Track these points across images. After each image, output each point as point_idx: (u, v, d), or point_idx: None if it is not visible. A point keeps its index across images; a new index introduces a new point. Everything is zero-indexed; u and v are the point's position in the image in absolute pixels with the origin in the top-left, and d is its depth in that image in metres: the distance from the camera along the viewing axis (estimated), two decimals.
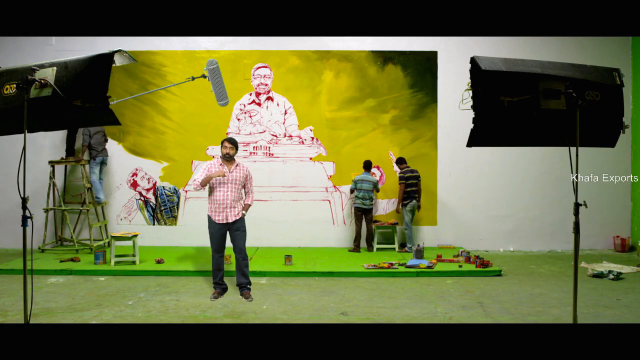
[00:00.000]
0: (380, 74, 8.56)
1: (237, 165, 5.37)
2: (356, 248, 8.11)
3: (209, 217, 5.38)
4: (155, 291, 5.66)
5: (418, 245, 7.36)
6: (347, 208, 8.58)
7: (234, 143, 5.37)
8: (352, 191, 8.19)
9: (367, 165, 8.11)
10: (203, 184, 5.28)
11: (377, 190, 8.13)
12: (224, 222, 5.30)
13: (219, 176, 5.21)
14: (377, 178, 8.07)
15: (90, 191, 7.98)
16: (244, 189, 5.48)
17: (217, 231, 5.34)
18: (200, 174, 5.31)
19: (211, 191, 5.36)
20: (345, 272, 6.53)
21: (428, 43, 8.55)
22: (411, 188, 7.87)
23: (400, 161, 8.08)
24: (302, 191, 8.56)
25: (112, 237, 6.87)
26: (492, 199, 8.63)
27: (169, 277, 6.34)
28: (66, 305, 5.11)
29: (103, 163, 8.13)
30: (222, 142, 5.37)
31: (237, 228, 5.36)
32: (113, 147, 8.52)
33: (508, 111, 3.43)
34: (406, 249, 7.97)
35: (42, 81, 3.57)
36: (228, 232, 5.39)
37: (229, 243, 5.46)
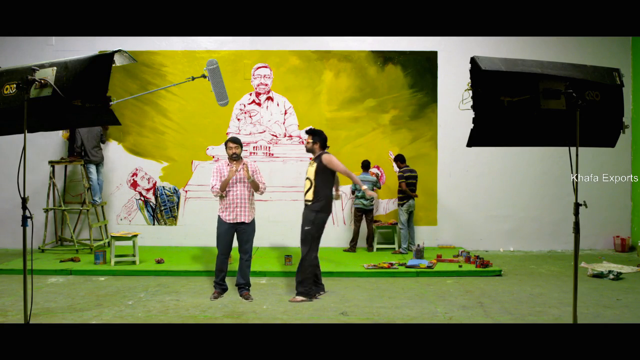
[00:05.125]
0: (380, 74, 8.56)
1: (243, 164, 5.35)
2: (352, 248, 8.11)
3: (219, 217, 5.36)
4: (155, 291, 5.66)
5: (418, 245, 7.35)
6: (347, 208, 8.58)
7: (238, 142, 5.36)
8: (353, 192, 8.19)
9: (366, 166, 8.10)
10: (222, 189, 5.26)
11: (379, 187, 8.11)
12: (234, 221, 5.28)
13: (233, 175, 5.20)
14: (375, 178, 8.05)
15: (90, 191, 7.98)
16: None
17: (226, 231, 5.31)
18: (213, 179, 5.30)
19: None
20: (345, 272, 6.54)
21: (428, 43, 8.56)
22: (409, 188, 7.85)
23: (400, 159, 8.02)
24: (302, 191, 8.54)
25: (112, 237, 6.87)
26: (492, 199, 8.63)
27: (169, 277, 6.34)
28: (66, 305, 5.11)
29: (99, 165, 8.13)
30: (226, 143, 5.35)
31: (246, 229, 5.34)
32: (113, 147, 8.53)
33: (508, 111, 3.43)
34: (400, 250, 7.88)
35: (42, 81, 3.57)
36: (236, 233, 5.37)
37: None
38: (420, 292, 5.71)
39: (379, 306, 5.13)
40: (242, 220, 5.29)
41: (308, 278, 5.27)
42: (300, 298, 5.24)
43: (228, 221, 5.29)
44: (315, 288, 5.39)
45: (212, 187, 5.28)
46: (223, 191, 5.28)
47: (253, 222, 5.41)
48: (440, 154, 8.60)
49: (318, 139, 5.32)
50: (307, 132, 5.39)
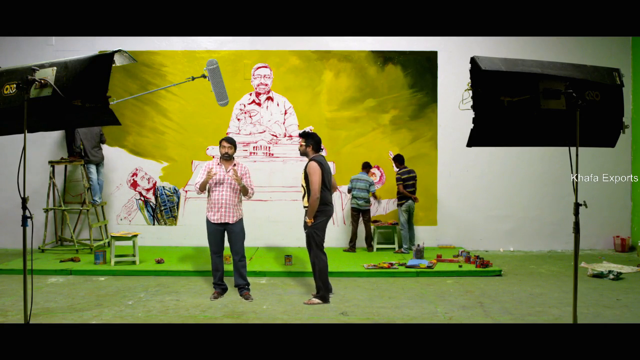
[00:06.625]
0: (380, 74, 8.56)
1: (234, 165, 5.37)
2: (351, 248, 8.11)
3: (206, 217, 5.39)
4: (155, 291, 5.66)
5: (418, 245, 7.35)
6: (347, 208, 8.58)
7: (232, 142, 5.38)
8: (349, 191, 8.18)
9: (365, 166, 8.12)
10: (202, 189, 5.29)
11: (372, 192, 8.06)
12: (219, 222, 5.30)
13: (209, 178, 5.22)
14: (374, 179, 8.02)
15: (90, 191, 7.98)
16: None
17: (214, 231, 5.35)
18: (200, 176, 5.34)
19: (209, 191, 5.37)
20: (345, 272, 6.54)
21: (428, 43, 8.55)
22: (408, 189, 7.84)
23: (398, 160, 8.02)
24: (302, 192, 8.56)
25: (112, 237, 6.87)
26: (492, 199, 8.63)
27: (169, 277, 6.34)
28: (66, 305, 5.11)
29: (99, 165, 8.13)
30: (220, 142, 5.38)
31: (233, 230, 5.36)
32: (113, 147, 8.53)
33: (508, 111, 3.43)
34: (402, 250, 7.91)
35: (42, 81, 3.57)
36: (226, 233, 5.39)
37: (227, 243, 5.46)
38: (420, 292, 5.71)
39: (379, 306, 5.13)
40: (227, 221, 5.31)
41: (326, 281, 5.23)
42: (316, 301, 5.20)
43: (213, 221, 5.32)
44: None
45: (195, 184, 5.35)
46: (202, 191, 5.32)
47: (240, 222, 5.42)
48: (440, 154, 8.60)
49: (311, 141, 5.24)
50: (300, 135, 5.35)
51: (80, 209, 8.09)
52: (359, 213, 8.09)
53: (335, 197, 8.54)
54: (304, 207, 5.25)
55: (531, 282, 6.21)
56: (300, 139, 5.31)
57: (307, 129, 8.49)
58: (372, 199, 8.15)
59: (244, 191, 5.36)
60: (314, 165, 5.10)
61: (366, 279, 6.36)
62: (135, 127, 8.54)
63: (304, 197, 5.26)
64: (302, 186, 5.27)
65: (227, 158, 5.34)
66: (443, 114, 8.54)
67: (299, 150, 5.36)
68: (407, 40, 8.53)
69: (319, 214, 5.11)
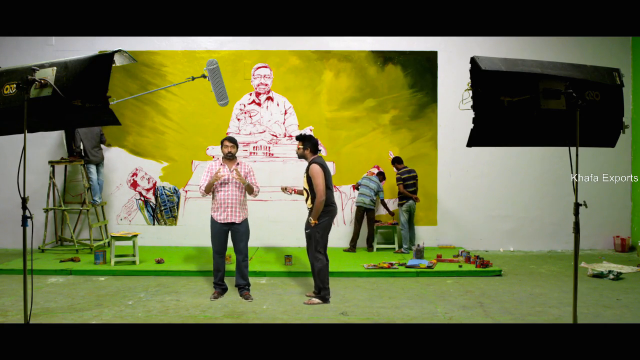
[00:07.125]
0: (380, 74, 8.56)
1: (237, 164, 5.37)
2: (352, 248, 8.11)
3: (211, 217, 5.38)
4: (155, 291, 5.66)
5: (418, 245, 7.35)
6: (348, 208, 8.58)
7: (234, 141, 5.38)
8: (357, 187, 8.17)
9: (380, 174, 8.17)
10: (207, 191, 5.29)
11: (381, 197, 8.08)
12: (225, 221, 5.30)
13: (216, 180, 5.22)
14: (376, 185, 8.02)
15: (90, 191, 7.98)
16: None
17: (218, 231, 5.34)
18: (203, 178, 5.33)
19: (214, 192, 5.36)
20: (345, 272, 6.54)
21: (428, 43, 8.55)
22: (409, 189, 7.86)
23: (397, 161, 8.05)
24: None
25: (112, 237, 6.87)
26: (492, 199, 8.63)
27: (169, 277, 6.34)
28: (66, 305, 5.11)
29: (99, 165, 8.13)
30: (222, 142, 5.38)
31: (238, 229, 5.35)
32: (113, 147, 8.53)
33: (508, 111, 3.43)
34: (402, 250, 7.93)
35: (42, 81, 3.57)
36: (230, 233, 5.39)
37: (229, 244, 5.46)
38: (420, 292, 5.71)
39: (379, 306, 5.13)
40: (233, 221, 5.31)
41: (326, 282, 5.22)
42: (316, 301, 5.20)
43: (219, 221, 5.32)
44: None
45: (200, 187, 5.34)
46: (208, 192, 5.31)
47: (245, 222, 5.42)
48: (440, 154, 8.60)
49: (308, 144, 5.24)
50: (297, 138, 5.35)
51: (80, 209, 8.09)
52: (364, 212, 8.09)
53: (336, 197, 8.54)
54: (309, 208, 5.25)
55: (531, 282, 6.21)
56: (298, 142, 5.32)
57: (307, 129, 8.50)
58: (377, 200, 8.15)
59: (249, 190, 5.36)
60: (316, 168, 5.11)
61: (366, 279, 6.36)
62: (135, 127, 8.54)
63: (307, 199, 5.26)
64: (305, 189, 5.26)
65: (230, 157, 5.34)
66: (443, 114, 8.54)
67: (297, 153, 5.37)
68: (407, 40, 8.54)
69: (322, 214, 5.12)
